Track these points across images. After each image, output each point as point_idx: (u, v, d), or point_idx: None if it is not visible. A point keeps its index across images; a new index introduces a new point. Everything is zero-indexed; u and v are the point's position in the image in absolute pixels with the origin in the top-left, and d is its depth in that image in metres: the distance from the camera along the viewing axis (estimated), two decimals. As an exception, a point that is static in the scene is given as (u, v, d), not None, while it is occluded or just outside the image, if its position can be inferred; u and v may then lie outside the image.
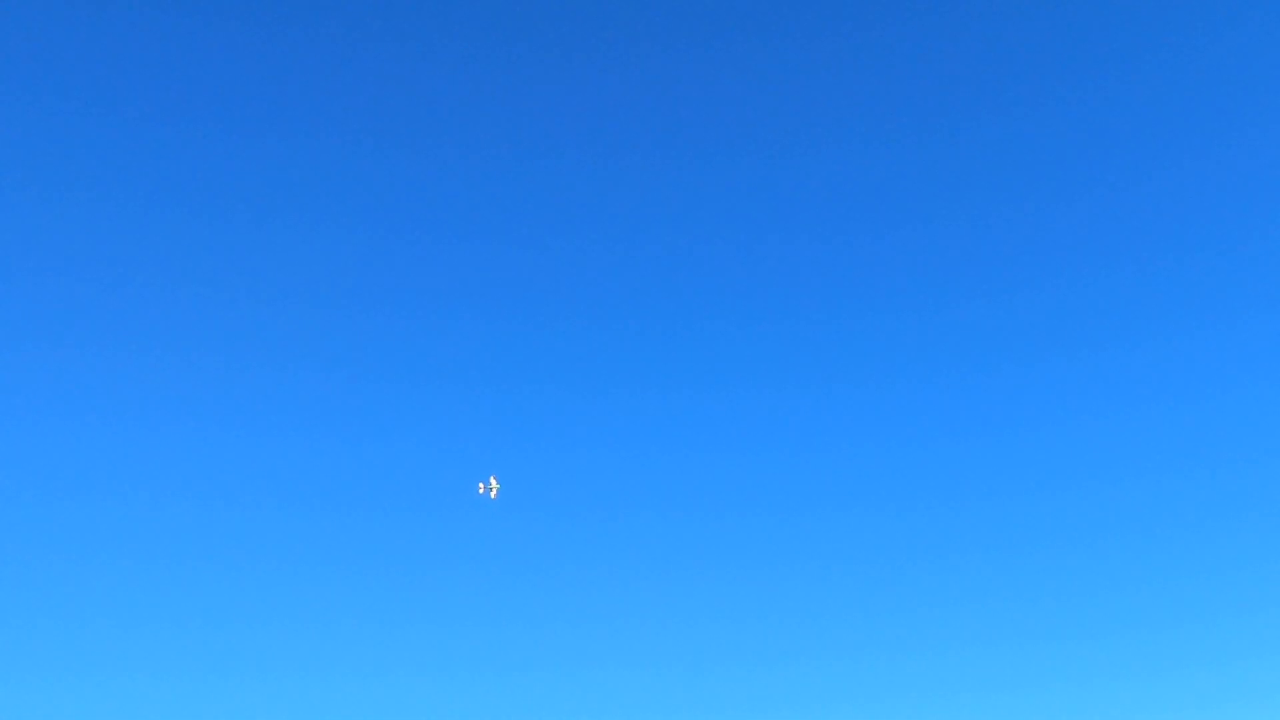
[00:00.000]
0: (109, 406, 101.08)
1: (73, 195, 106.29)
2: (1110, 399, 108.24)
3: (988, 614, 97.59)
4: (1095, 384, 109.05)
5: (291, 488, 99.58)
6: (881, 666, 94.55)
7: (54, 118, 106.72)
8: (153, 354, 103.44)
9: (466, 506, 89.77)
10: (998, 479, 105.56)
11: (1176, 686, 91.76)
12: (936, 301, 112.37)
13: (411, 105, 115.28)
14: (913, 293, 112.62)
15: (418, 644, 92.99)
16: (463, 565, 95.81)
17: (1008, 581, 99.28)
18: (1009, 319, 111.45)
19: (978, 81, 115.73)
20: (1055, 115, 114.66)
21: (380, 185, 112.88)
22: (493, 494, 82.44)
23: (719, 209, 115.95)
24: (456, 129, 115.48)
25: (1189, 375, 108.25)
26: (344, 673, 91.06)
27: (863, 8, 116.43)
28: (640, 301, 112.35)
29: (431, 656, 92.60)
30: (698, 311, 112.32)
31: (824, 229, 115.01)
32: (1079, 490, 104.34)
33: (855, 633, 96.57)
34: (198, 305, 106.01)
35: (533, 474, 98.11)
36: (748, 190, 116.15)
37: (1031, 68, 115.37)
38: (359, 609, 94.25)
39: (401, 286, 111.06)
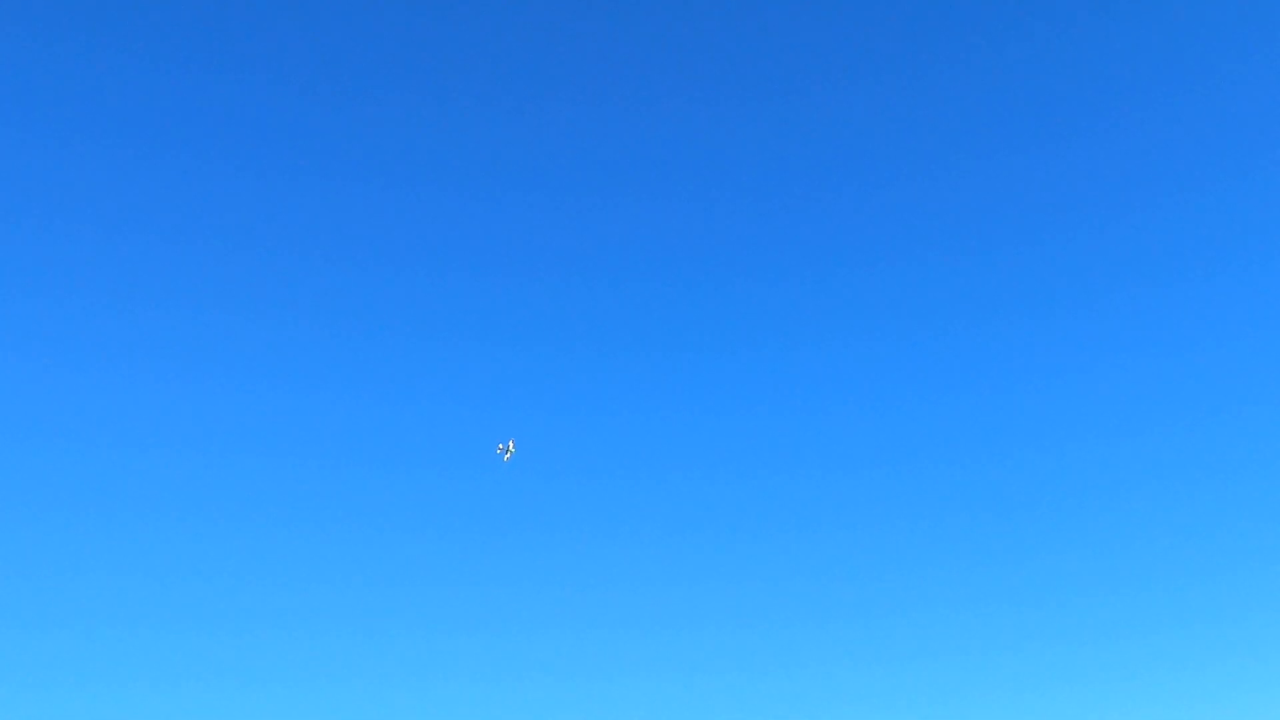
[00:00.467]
0: (115, 369, 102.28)
1: (68, 190, 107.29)
2: (1117, 397, 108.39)
3: (984, 613, 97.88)
4: (1100, 379, 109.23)
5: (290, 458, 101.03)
6: (887, 665, 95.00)
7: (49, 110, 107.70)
8: (162, 310, 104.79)
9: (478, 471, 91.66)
10: (1000, 481, 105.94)
11: (1175, 686, 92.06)
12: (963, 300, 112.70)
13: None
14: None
15: (421, 622, 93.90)
16: (469, 533, 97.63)
17: (1005, 583, 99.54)
18: (1016, 318, 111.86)
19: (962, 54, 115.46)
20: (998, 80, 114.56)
21: (400, 147, 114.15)
22: (506, 456, 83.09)
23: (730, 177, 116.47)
24: (470, 97, 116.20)
25: (1192, 373, 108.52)
26: (347, 658, 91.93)
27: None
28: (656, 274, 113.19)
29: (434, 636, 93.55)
30: (722, 284, 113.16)
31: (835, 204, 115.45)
32: (1076, 485, 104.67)
33: (861, 627, 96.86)
34: (204, 262, 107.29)
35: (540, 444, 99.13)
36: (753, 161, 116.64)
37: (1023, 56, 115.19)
38: (363, 577, 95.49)
39: (410, 251, 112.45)
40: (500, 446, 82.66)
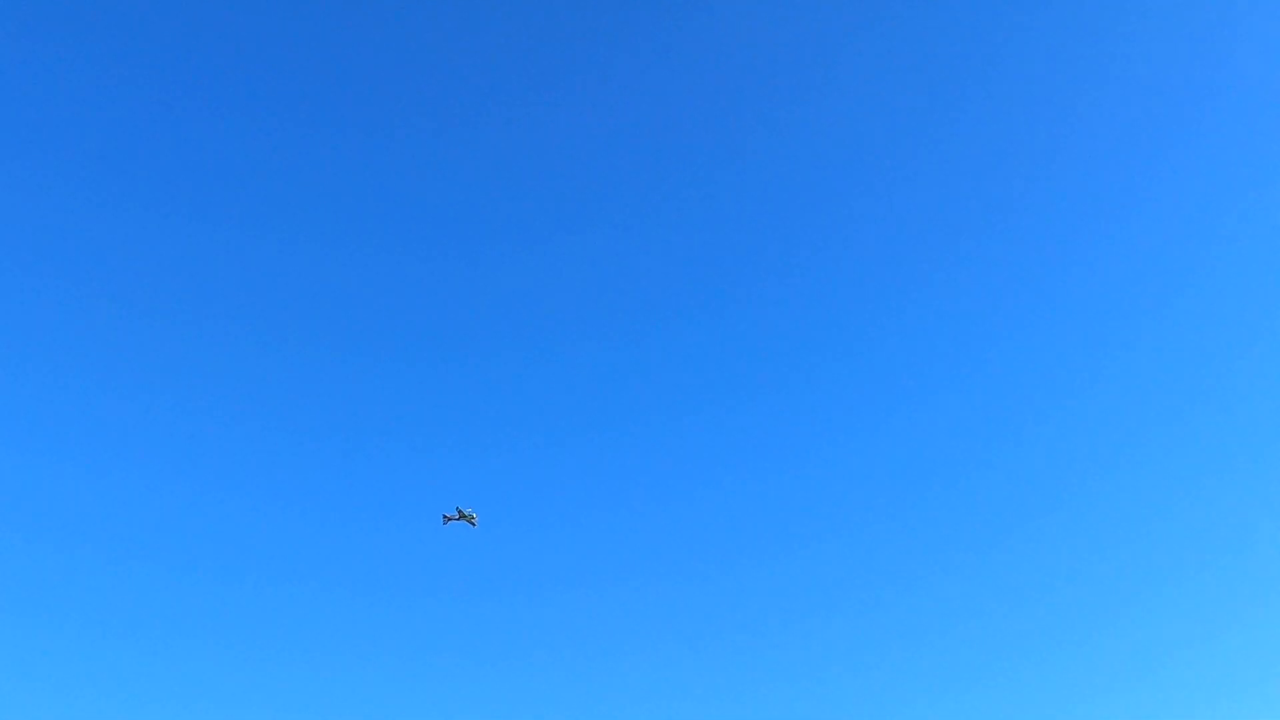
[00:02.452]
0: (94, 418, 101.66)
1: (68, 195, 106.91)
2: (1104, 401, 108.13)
3: (984, 619, 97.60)
4: (1086, 387, 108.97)
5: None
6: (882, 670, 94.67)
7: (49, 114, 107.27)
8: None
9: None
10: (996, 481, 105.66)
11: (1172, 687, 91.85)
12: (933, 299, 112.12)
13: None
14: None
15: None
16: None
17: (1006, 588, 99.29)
18: (1007, 317, 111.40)
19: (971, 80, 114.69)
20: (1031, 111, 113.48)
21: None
22: (451, 520, 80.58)
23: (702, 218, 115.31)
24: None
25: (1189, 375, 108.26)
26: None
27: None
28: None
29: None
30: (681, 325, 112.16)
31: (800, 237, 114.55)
32: (1077, 490, 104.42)
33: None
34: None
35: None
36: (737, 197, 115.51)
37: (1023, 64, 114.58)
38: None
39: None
40: (452, 516, 79.48)
